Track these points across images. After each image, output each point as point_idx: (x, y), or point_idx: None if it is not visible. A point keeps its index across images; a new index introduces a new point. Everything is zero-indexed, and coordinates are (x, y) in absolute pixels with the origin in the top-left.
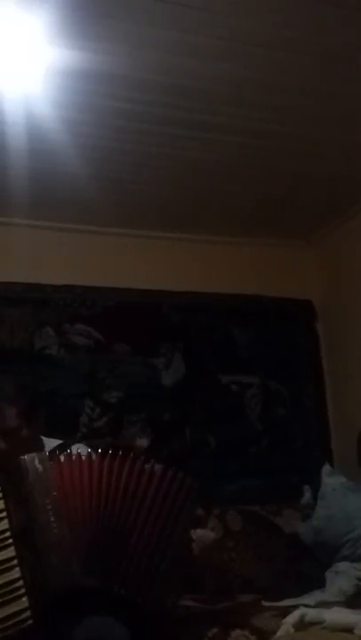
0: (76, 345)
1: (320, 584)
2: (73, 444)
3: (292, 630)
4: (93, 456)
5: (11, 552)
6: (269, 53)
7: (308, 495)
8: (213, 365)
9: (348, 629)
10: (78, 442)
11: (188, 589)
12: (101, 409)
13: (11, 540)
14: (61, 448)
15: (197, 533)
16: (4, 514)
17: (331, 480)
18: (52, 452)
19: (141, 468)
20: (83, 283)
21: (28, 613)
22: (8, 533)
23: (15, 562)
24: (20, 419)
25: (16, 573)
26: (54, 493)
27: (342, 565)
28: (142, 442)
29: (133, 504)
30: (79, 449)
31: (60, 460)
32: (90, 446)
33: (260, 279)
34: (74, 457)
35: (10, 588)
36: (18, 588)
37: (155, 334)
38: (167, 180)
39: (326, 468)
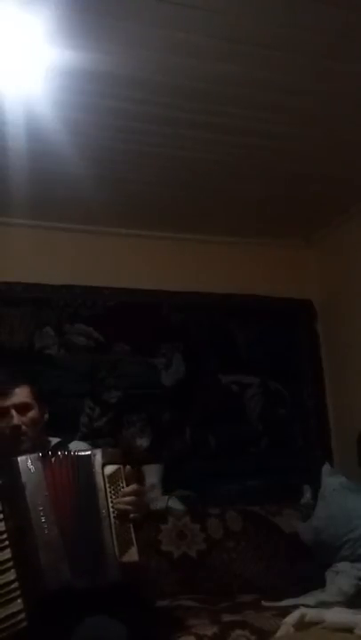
0: (76, 345)
1: (320, 584)
2: (70, 441)
3: (292, 630)
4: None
5: (7, 554)
6: (269, 53)
7: (308, 495)
8: (213, 365)
9: (349, 629)
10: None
11: (187, 589)
12: (101, 409)
13: (7, 542)
14: (59, 446)
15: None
16: (1, 516)
17: (331, 480)
18: (46, 452)
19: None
20: (83, 283)
21: (23, 615)
22: (5, 535)
23: (11, 563)
24: (32, 398)
25: (12, 575)
26: (46, 494)
27: (342, 565)
28: (142, 442)
29: (86, 494)
30: (77, 447)
31: (51, 460)
32: (91, 445)
33: (260, 279)
34: (65, 458)
35: (6, 589)
36: (13, 590)
37: (155, 334)
38: (167, 180)
39: (326, 467)
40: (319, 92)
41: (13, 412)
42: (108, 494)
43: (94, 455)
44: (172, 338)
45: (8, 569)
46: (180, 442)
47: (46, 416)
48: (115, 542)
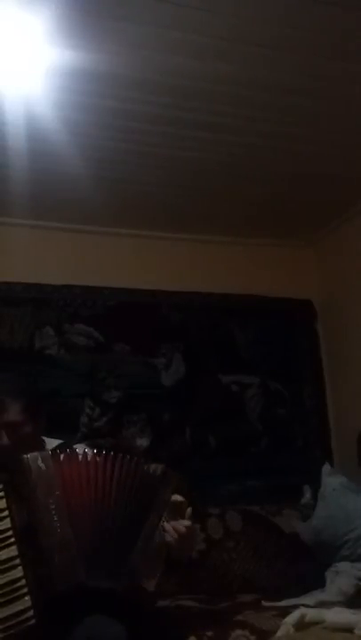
0: (76, 345)
1: (320, 584)
2: (74, 443)
3: (292, 630)
4: (97, 456)
5: (13, 551)
6: (269, 53)
7: (308, 495)
8: (213, 365)
9: (349, 629)
10: (79, 442)
11: (187, 589)
12: (101, 409)
13: (13, 540)
14: (62, 448)
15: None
16: (6, 513)
17: (331, 480)
18: (55, 451)
19: (137, 467)
20: (83, 283)
21: (31, 612)
22: (10, 532)
23: (17, 561)
24: (24, 414)
25: (18, 572)
26: (57, 492)
27: (342, 565)
28: (142, 442)
29: (130, 501)
30: (80, 449)
31: (63, 458)
32: (92, 446)
33: (260, 279)
34: (77, 456)
35: (12, 587)
36: (20, 587)
37: (155, 334)
38: (167, 180)
39: (326, 467)
40: (319, 92)
41: (2, 433)
42: (163, 519)
43: (168, 476)
44: (172, 338)
45: (14, 567)
46: (180, 442)
47: (42, 423)
48: (142, 561)
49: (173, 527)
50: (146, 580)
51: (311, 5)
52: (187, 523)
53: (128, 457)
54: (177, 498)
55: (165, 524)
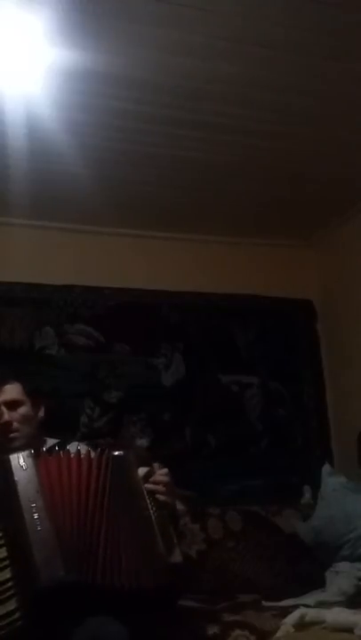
0: (76, 345)
1: (320, 584)
2: (69, 442)
3: (292, 630)
4: (80, 453)
5: (2, 553)
6: (269, 53)
7: (308, 495)
8: (213, 365)
9: (349, 629)
10: (78, 442)
11: (188, 589)
12: (101, 409)
13: (3, 542)
14: (57, 447)
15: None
16: None
17: (331, 480)
18: (38, 450)
19: (108, 458)
20: (83, 283)
21: (18, 614)
22: (0, 534)
23: (7, 562)
24: (22, 395)
25: (7, 574)
26: (38, 491)
27: (342, 565)
28: (142, 442)
29: (113, 493)
30: (77, 447)
31: (44, 458)
32: (91, 446)
33: (260, 279)
34: (58, 455)
35: (2, 588)
36: (9, 589)
37: (155, 334)
38: (167, 180)
39: (326, 468)
40: (319, 92)
41: (3, 409)
42: (146, 495)
43: (127, 456)
44: (172, 338)
45: (4, 567)
46: (180, 442)
47: (41, 414)
48: (160, 544)
49: (154, 483)
50: (172, 555)
51: (311, 5)
52: (162, 471)
53: (104, 450)
54: (144, 471)
55: (146, 485)
